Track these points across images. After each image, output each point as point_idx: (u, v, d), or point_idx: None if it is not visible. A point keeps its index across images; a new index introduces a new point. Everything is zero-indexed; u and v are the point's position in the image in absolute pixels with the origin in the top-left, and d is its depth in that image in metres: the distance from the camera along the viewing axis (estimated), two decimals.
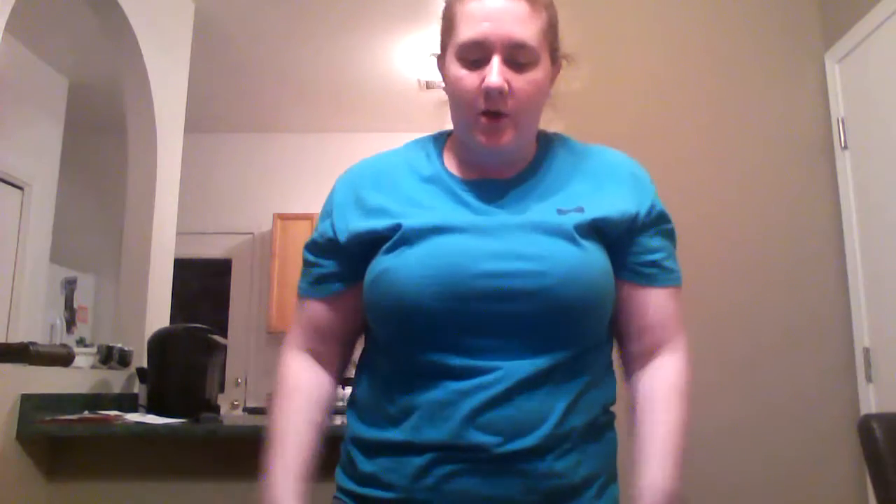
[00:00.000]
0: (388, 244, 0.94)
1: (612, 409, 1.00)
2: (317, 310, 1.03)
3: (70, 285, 5.06)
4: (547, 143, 1.04)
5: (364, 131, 5.60)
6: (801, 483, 2.32)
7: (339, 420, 1.96)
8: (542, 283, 0.89)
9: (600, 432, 0.96)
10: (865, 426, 1.46)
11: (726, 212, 2.50)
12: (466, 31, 0.93)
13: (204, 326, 2.64)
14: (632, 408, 0.99)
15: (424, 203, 0.97)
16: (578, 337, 0.92)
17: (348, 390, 1.06)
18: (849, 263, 2.41)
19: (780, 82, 2.57)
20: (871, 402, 2.28)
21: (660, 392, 0.97)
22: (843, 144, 2.46)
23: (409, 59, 4.48)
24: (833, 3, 2.54)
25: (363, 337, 1.06)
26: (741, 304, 2.43)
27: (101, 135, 5.38)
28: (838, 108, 2.48)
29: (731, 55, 2.60)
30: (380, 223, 0.95)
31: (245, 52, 4.46)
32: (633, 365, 1.01)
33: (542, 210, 0.95)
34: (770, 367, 2.39)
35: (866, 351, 2.32)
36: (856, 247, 2.38)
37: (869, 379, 2.30)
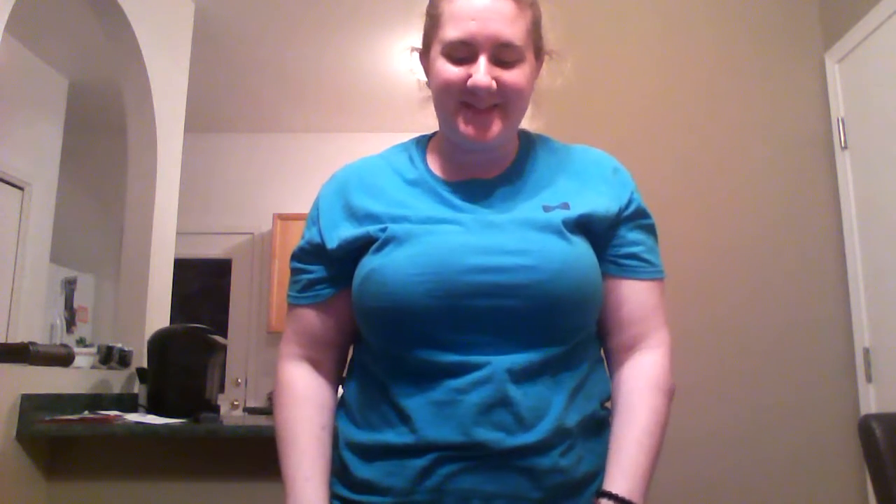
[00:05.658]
0: (375, 245, 0.94)
1: (607, 404, 1.00)
2: (309, 317, 1.02)
3: (70, 285, 5.06)
4: (528, 143, 1.05)
5: (364, 131, 5.60)
6: (801, 483, 2.32)
7: None
8: (532, 277, 0.89)
9: (599, 428, 0.96)
10: (865, 426, 1.46)
11: (726, 212, 2.50)
12: (453, 30, 0.93)
13: (204, 326, 2.64)
14: (612, 405, 0.98)
15: (410, 204, 0.97)
16: (570, 331, 0.92)
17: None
18: (849, 263, 2.41)
19: (780, 82, 2.57)
20: (871, 402, 2.28)
21: (636, 389, 0.95)
22: (843, 144, 2.45)
23: (409, 59, 4.48)
24: (833, 3, 2.54)
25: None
26: (741, 304, 2.43)
27: (101, 135, 5.38)
28: (838, 108, 2.48)
29: (730, 55, 2.60)
30: (367, 227, 0.96)
31: (245, 52, 4.45)
32: (614, 361, 1.00)
33: (528, 207, 0.96)
34: (770, 368, 2.39)
35: (866, 351, 2.32)
36: (856, 247, 2.38)
37: (869, 379, 2.30)
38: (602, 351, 1.02)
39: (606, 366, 1.02)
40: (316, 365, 1.03)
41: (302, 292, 1.02)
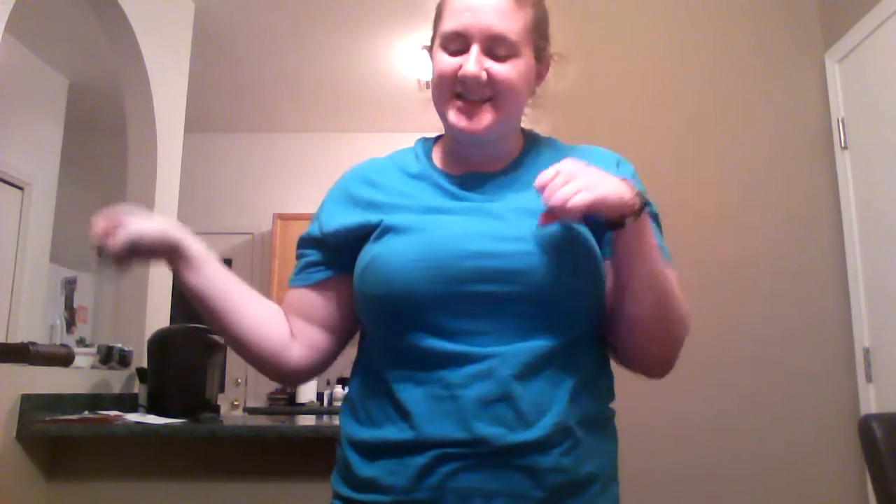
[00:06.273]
0: (375, 234, 0.96)
1: (612, 405, 1.00)
2: (301, 295, 1.04)
3: (70, 285, 5.06)
4: (534, 142, 1.06)
5: (364, 131, 5.60)
6: (801, 483, 2.32)
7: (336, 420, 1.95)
8: (531, 263, 0.89)
9: (603, 428, 0.96)
10: (865, 426, 1.46)
11: (726, 212, 2.50)
12: (449, 22, 0.96)
13: (204, 326, 2.63)
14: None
15: (411, 195, 0.99)
16: (570, 320, 0.92)
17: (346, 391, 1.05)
18: (849, 263, 2.41)
19: (780, 82, 2.57)
20: (871, 402, 2.28)
21: None
22: (843, 144, 2.46)
23: (409, 59, 4.49)
24: (833, 3, 2.54)
25: (355, 343, 1.05)
26: (741, 304, 2.43)
27: (101, 135, 5.37)
28: (838, 108, 2.48)
29: (730, 55, 2.60)
30: (368, 216, 0.98)
31: (245, 52, 4.45)
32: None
33: (528, 197, 0.96)
34: (770, 367, 2.39)
35: (866, 351, 2.32)
36: (856, 247, 2.38)
37: (869, 379, 2.30)
38: (608, 349, 1.01)
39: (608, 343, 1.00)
40: (293, 332, 1.03)
41: (298, 274, 1.05)
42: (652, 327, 0.93)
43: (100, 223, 0.94)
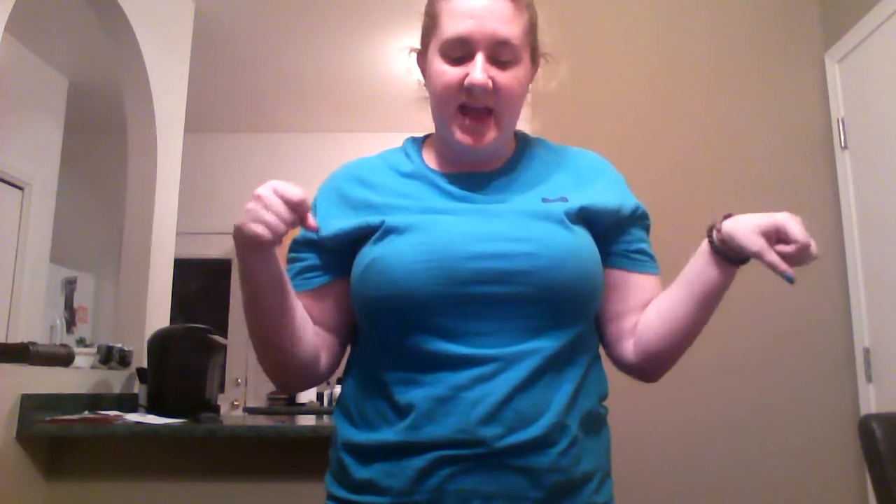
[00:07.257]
0: (375, 235, 0.94)
1: (605, 403, 1.00)
2: (301, 299, 1.01)
3: (70, 285, 5.06)
4: (525, 142, 1.07)
5: (364, 131, 5.59)
6: (800, 483, 2.32)
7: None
8: (534, 264, 0.89)
9: (598, 426, 0.96)
10: (865, 426, 1.46)
11: (725, 212, 2.49)
12: (451, 28, 0.95)
13: (204, 326, 2.64)
14: (644, 334, 0.99)
15: (409, 195, 0.98)
16: (572, 320, 0.93)
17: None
18: (849, 263, 2.41)
19: (780, 82, 2.57)
20: (871, 402, 2.28)
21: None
22: (843, 144, 2.45)
23: (409, 59, 4.49)
24: (833, 3, 2.54)
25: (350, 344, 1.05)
26: (740, 304, 2.42)
27: (101, 135, 5.37)
28: (838, 108, 2.48)
29: (730, 55, 2.60)
30: (366, 218, 0.96)
31: (245, 52, 4.45)
32: (622, 339, 1.01)
33: (527, 199, 0.97)
34: (770, 367, 2.39)
35: (866, 351, 2.32)
36: (856, 247, 2.38)
37: (869, 379, 2.30)
38: (600, 346, 1.03)
39: (611, 351, 1.03)
40: None
41: (294, 279, 1.02)
42: (685, 342, 0.98)
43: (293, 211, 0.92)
